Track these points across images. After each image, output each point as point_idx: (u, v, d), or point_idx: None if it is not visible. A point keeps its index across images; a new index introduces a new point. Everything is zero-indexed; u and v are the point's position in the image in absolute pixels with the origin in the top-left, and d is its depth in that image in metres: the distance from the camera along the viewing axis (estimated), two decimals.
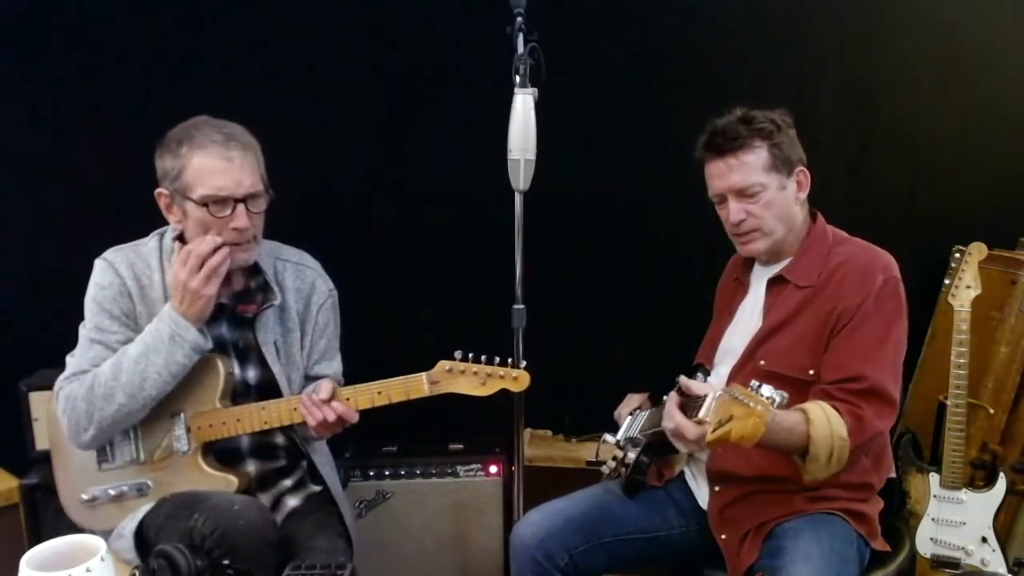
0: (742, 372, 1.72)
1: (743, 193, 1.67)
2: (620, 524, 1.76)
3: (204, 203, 1.64)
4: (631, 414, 1.85)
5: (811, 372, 1.65)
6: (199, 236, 1.67)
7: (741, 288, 1.86)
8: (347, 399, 1.72)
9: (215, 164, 1.64)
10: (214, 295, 1.66)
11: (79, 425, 1.67)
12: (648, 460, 1.76)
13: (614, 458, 1.84)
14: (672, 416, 1.48)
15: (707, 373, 1.81)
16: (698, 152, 1.74)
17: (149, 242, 1.77)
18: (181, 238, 1.74)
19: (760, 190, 1.66)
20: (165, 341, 1.64)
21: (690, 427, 1.43)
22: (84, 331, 1.73)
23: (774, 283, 1.75)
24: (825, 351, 1.64)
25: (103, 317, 1.71)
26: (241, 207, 1.66)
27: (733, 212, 1.69)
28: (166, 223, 1.75)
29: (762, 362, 1.69)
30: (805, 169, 1.71)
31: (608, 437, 1.82)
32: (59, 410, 1.69)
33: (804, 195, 1.72)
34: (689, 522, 1.78)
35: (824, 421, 1.51)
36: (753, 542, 1.65)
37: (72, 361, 1.72)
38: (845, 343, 1.61)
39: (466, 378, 1.70)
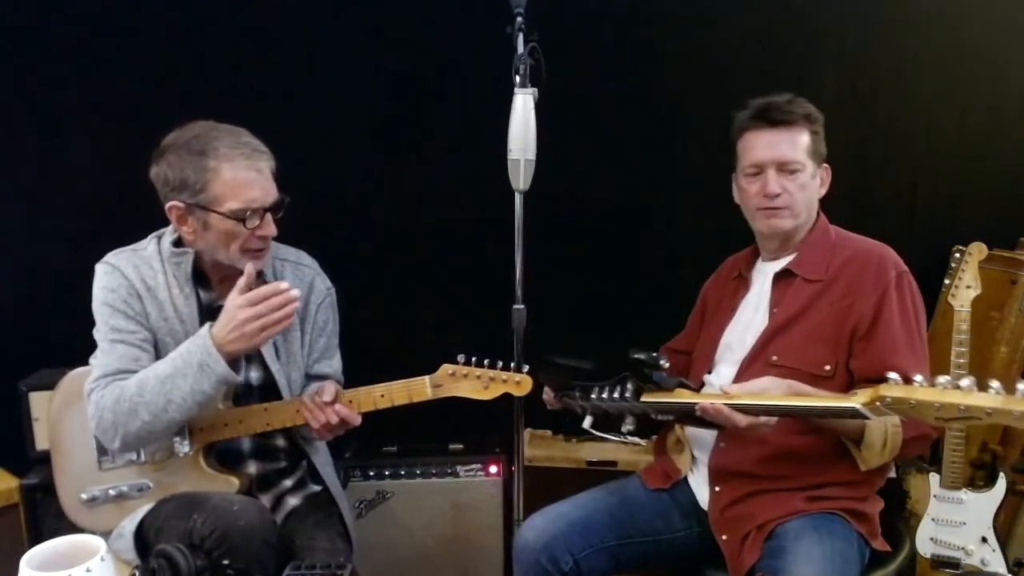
0: (751, 368, 1.72)
1: (785, 168, 1.71)
2: (623, 527, 1.75)
3: (237, 216, 1.62)
4: (575, 391, 1.77)
5: (827, 368, 1.65)
6: (220, 247, 1.65)
7: (743, 284, 1.86)
8: (350, 401, 1.72)
9: (247, 176, 1.62)
10: (260, 346, 1.65)
11: (107, 434, 1.66)
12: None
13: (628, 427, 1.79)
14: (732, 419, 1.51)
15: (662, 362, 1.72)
16: (743, 122, 1.77)
17: (148, 246, 1.75)
18: (179, 243, 1.73)
19: (800, 169, 1.72)
20: (194, 367, 1.59)
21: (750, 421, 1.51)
22: (100, 335, 1.70)
23: (780, 277, 1.76)
24: (852, 354, 1.64)
25: (118, 319, 1.68)
26: (268, 215, 1.66)
27: (771, 183, 1.71)
28: (165, 223, 1.73)
29: (774, 358, 1.69)
30: (828, 166, 1.78)
31: (587, 425, 1.80)
32: (89, 414, 1.67)
33: (824, 191, 1.78)
34: (691, 523, 1.78)
35: (883, 423, 1.53)
36: (754, 542, 1.65)
37: (98, 363, 1.69)
38: (879, 343, 1.62)
39: (469, 382, 1.70)
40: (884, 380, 1.56)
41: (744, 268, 1.87)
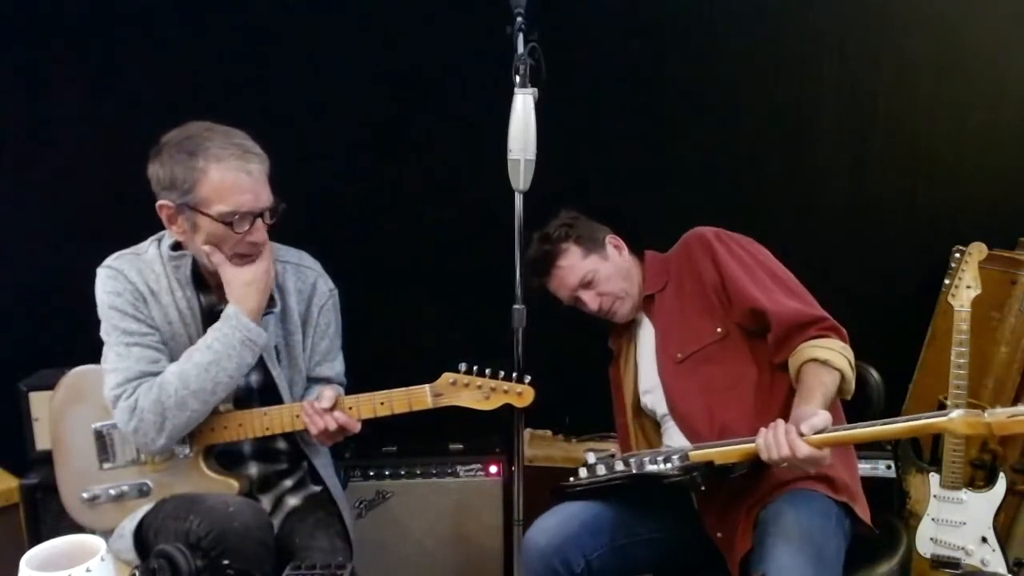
0: (671, 375, 1.82)
1: (586, 285, 1.91)
2: (630, 526, 1.75)
3: (225, 220, 1.59)
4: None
5: (719, 330, 1.78)
6: (210, 249, 1.63)
7: (632, 342, 1.98)
8: (350, 408, 1.71)
9: (235, 179, 1.58)
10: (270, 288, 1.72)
11: (148, 434, 1.65)
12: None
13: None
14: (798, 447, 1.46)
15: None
16: (535, 283, 1.94)
17: (149, 248, 1.74)
18: (178, 246, 1.72)
19: (593, 275, 1.91)
20: (236, 347, 1.63)
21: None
22: (112, 339, 1.67)
23: (649, 304, 1.92)
24: (725, 312, 1.77)
25: (128, 322, 1.67)
26: (259, 220, 1.63)
27: (590, 301, 1.92)
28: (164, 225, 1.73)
29: (678, 355, 1.80)
30: (613, 235, 1.98)
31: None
32: (120, 420, 1.66)
33: (624, 253, 1.97)
34: (691, 524, 1.78)
35: (831, 351, 1.61)
36: (744, 531, 1.66)
37: (115, 368, 1.66)
38: (733, 292, 1.76)
39: (470, 391, 1.69)
40: (756, 318, 1.73)
41: (622, 332, 2.01)
